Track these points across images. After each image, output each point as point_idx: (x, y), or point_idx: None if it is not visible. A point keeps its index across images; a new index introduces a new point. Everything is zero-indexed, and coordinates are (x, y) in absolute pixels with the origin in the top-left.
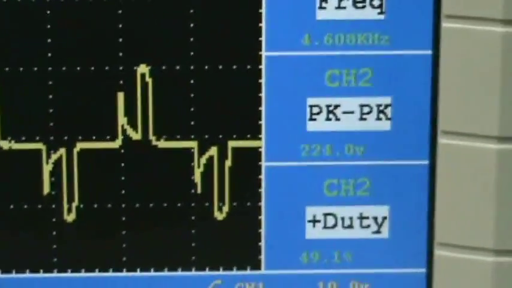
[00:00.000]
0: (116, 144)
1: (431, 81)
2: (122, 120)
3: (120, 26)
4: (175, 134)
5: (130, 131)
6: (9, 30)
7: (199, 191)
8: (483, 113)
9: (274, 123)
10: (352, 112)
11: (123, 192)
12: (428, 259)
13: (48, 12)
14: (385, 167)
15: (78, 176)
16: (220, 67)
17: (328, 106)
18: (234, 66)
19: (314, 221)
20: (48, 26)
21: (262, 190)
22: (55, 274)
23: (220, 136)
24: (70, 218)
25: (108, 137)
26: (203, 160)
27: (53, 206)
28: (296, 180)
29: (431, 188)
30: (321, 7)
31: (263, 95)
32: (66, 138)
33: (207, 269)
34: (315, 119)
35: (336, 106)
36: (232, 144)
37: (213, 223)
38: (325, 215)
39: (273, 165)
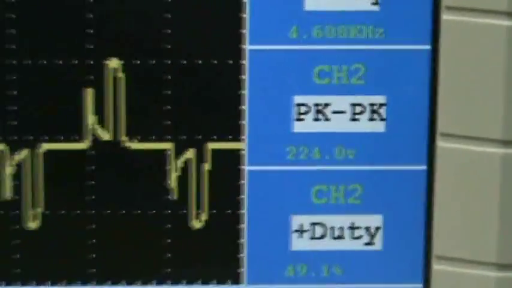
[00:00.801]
0: (84, 145)
1: (430, 79)
2: (90, 119)
3: (90, 16)
4: (149, 135)
5: (100, 131)
6: None
7: (175, 197)
8: (486, 114)
9: (257, 124)
10: (343, 112)
11: (92, 197)
12: (425, 273)
13: (13, 0)
14: (379, 172)
15: (43, 179)
16: (199, 62)
17: (316, 105)
18: (214, 61)
19: (301, 231)
20: (13, 16)
21: (244, 197)
22: (18, 287)
23: (199, 137)
24: (34, 225)
25: (75, 138)
26: (179, 163)
27: (16, 212)
28: (281, 186)
29: (429, 195)
30: None
31: (246, 92)
32: (30, 138)
33: (184, 282)
34: (302, 119)
35: (326, 105)
36: (211, 146)
37: (189, 232)
38: (313, 224)
39: (256, 170)
